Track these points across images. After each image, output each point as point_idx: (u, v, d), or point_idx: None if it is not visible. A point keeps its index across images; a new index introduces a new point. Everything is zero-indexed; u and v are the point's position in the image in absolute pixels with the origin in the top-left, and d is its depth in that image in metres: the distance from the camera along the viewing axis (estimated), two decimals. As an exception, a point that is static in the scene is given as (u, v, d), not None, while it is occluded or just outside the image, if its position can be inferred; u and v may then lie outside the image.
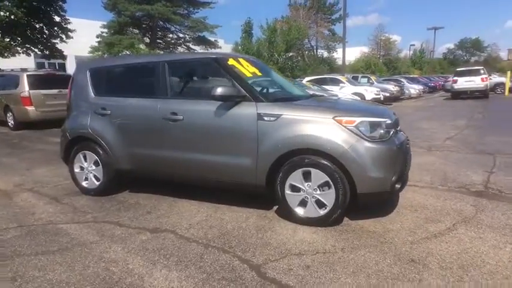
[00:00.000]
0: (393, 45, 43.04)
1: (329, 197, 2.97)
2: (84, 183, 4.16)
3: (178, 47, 24.35)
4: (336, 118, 2.94)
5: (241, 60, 3.64)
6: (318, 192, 3.00)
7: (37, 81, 10.29)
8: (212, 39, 23.13)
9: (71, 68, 20.93)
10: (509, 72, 18.16)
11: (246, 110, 3.17)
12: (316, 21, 34.41)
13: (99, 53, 19.36)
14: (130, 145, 3.77)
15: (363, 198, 2.95)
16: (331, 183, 2.93)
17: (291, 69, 30.55)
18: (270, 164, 3.10)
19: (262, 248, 2.73)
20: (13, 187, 4.64)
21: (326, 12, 35.81)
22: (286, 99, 3.48)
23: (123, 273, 2.45)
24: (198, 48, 23.95)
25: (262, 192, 3.29)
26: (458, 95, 18.35)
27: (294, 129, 3.00)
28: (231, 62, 3.49)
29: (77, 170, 4.18)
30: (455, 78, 18.19)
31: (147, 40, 21.87)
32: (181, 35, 23.77)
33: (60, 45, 16.80)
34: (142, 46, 20.16)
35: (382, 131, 2.95)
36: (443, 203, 3.52)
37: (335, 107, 3.35)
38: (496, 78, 21.70)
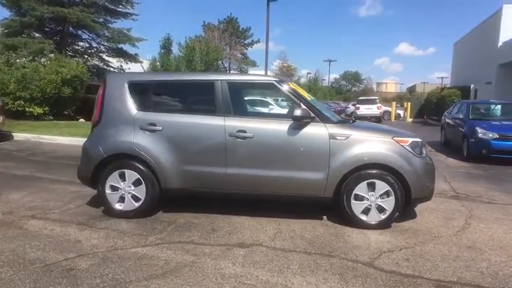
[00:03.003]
0: (294, 71, 47.87)
1: (389, 204, 3.59)
2: (117, 205, 3.83)
3: (90, 57, 22.23)
4: (395, 138, 3.63)
5: (294, 84, 4.04)
6: (380, 200, 3.60)
7: None
8: (132, 52, 21.94)
9: None
10: (394, 103, 22.57)
11: (319, 130, 3.60)
12: (230, 44, 36.04)
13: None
14: (186, 163, 3.71)
15: (414, 203, 3.68)
16: (391, 191, 3.56)
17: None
18: (340, 177, 3.57)
19: (357, 250, 3.15)
20: (3, 215, 3.88)
21: (240, 36, 37.92)
22: (342, 121, 4.00)
23: (263, 284, 2.55)
24: (115, 61, 22.36)
25: (327, 202, 3.71)
26: (359, 119, 21.77)
27: (362, 147, 3.56)
28: (291, 85, 3.87)
29: (108, 191, 3.82)
30: (358, 105, 21.63)
31: (53, 46, 19.37)
32: (94, 44, 21.83)
33: None
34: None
35: (421, 149, 3.75)
36: (443, 206, 4.52)
37: (388, 129, 4.05)
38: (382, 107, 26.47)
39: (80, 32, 21.22)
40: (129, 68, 22.68)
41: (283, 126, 3.62)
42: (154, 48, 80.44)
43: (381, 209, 3.61)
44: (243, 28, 38.54)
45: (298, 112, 3.49)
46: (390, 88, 73.73)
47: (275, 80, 3.85)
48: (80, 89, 14.53)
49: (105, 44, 22.16)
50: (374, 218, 3.62)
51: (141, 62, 22.93)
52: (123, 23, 21.28)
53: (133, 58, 22.07)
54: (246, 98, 4.34)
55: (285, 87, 3.81)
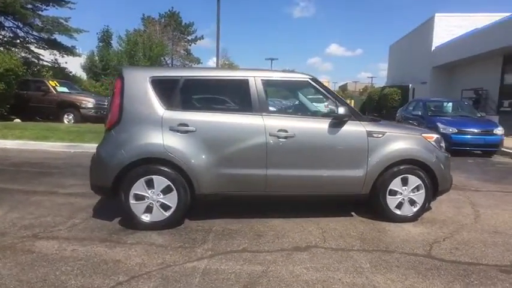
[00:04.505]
0: (237, 69, 47.75)
1: (420, 197, 3.78)
2: (143, 216, 3.41)
3: (15, 48, 19.46)
4: (423, 135, 3.83)
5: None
6: (412, 194, 3.76)
7: None
8: (69, 44, 19.70)
9: None
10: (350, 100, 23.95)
11: (357, 128, 3.63)
12: (173, 40, 34.55)
13: None
14: (224, 165, 3.45)
15: (438, 195, 3.92)
16: (422, 185, 3.75)
17: (152, 86, 29.48)
18: (377, 173, 3.65)
19: (407, 243, 3.26)
20: None
21: (183, 32, 36.51)
22: (372, 119, 4.06)
23: (351, 286, 2.50)
24: (47, 53, 19.87)
25: (363, 200, 3.78)
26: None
27: (398, 144, 3.69)
28: (325, 83, 3.83)
29: (132, 201, 3.38)
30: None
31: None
32: (21, 34, 19.12)
33: None
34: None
35: (441, 144, 4.02)
36: (447, 197, 4.79)
37: (412, 127, 4.22)
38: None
39: (1, 19, 18.46)
40: (66, 62, 20.49)
41: (324, 125, 3.58)
42: (89, 41, 73.64)
43: (412, 202, 3.79)
44: (185, 23, 37.23)
45: (342, 110, 3.48)
46: (324, 86, 78.13)
47: (310, 78, 3.78)
48: (14, 84, 12.67)
49: (35, 33, 19.63)
50: (407, 211, 3.78)
51: (79, 55, 20.81)
52: (58, 11, 18.94)
53: (70, 51, 19.88)
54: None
55: (319, 85, 3.76)
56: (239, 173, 3.49)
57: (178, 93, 3.53)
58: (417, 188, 3.76)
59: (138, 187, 3.38)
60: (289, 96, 4.11)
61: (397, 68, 25.70)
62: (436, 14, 18.37)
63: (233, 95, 3.73)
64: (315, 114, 3.89)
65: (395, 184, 3.72)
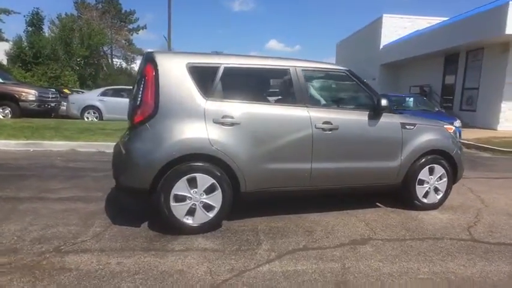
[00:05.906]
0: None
1: (442, 185, 4.00)
2: (185, 219, 3.07)
3: None
4: (445, 126, 4.04)
5: None
6: (436, 182, 3.96)
7: None
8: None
9: None
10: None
11: (392, 120, 3.70)
12: (113, 28, 31.98)
13: None
14: (270, 160, 3.24)
15: (455, 182, 4.18)
16: (445, 174, 3.97)
17: (93, 78, 27.21)
18: (409, 164, 3.77)
19: (448, 230, 3.42)
20: (8, 258, 2.62)
21: (124, 19, 33.86)
22: (400, 111, 4.16)
23: (434, 275, 2.55)
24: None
25: (395, 189, 3.87)
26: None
27: (427, 135, 3.85)
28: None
29: (173, 202, 3.02)
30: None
31: None
32: None
33: None
34: None
35: (457, 134, 4.30)
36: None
37: (433, 119, 4.40)
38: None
39: None
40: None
41: (363, 117, 3.58)
42: (15, 26, 64.40)
43: (436, 190, 3.99)
44: (126, 11, 34.70)
45: (384, 102, 3.50)
46: (268, 82, 79.56)
47: (347, 70, 3.73)
48: None
49: None
50: (432, 199, 3.98)
51: (6, 40, 18.23)
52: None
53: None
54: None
55: (355, 77, 3.74)
56: (285, 168, 3.32)
57: (219, 82, 3.22)
58: (440, 177, 3.97)
59: (180, 187, 3.02)
60: (326, 87, 4.02)
61: (346, 64, 26.85)
62: (384, 15, 19.78)
63: (275, 86, 3.53)
64: (352, 105, 3.86)
65: (423, 174, 3.88)
